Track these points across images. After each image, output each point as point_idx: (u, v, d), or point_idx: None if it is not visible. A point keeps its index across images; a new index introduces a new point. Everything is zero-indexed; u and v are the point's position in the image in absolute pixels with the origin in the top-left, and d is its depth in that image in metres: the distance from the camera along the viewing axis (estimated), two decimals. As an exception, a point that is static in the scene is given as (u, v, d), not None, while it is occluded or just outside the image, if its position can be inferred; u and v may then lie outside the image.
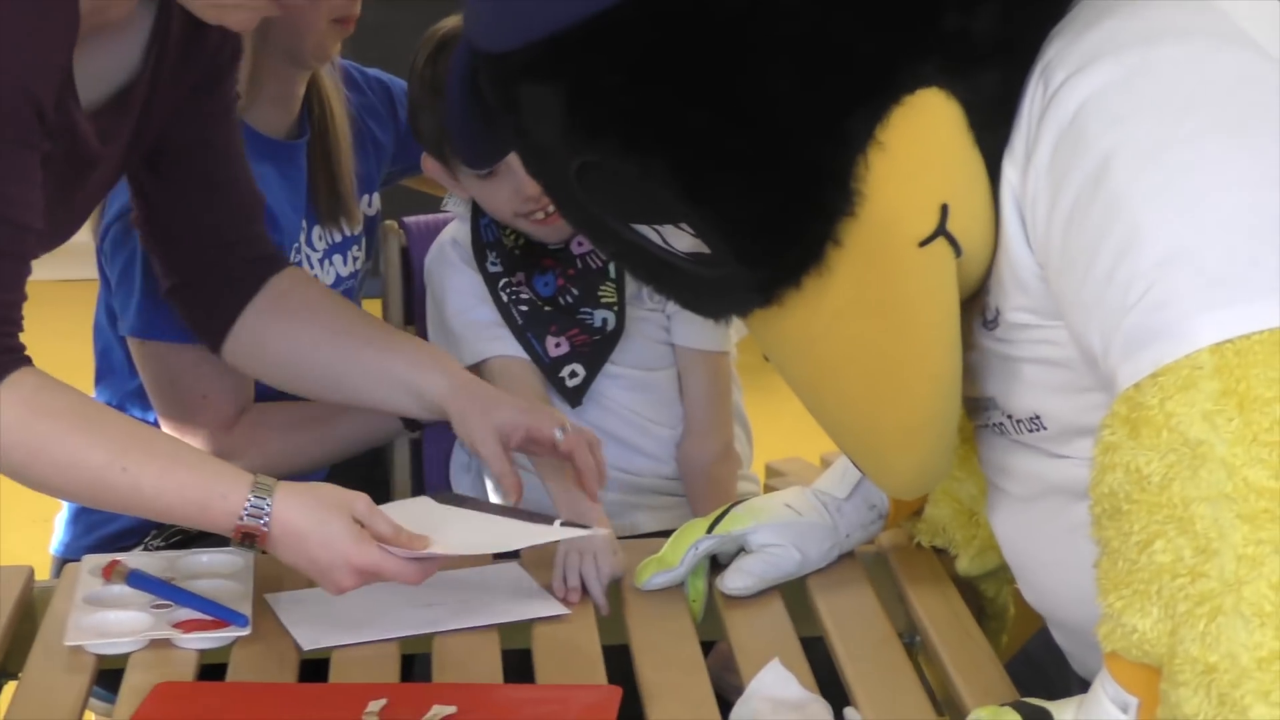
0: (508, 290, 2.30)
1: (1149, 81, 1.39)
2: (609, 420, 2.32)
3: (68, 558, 2.28)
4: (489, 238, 2.31)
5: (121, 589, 1.86)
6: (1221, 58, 1.40)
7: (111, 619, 1.82)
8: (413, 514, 1.84)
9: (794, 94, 1.43)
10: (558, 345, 2.29)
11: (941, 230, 1.48)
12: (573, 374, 2.29)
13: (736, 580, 1.88)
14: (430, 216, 2.61)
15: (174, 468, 1.72)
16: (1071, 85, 1.41)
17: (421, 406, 2.03)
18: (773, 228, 1.48)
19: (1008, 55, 1.47)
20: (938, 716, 1.69)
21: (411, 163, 2.57)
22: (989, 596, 2.00)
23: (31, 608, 1.91)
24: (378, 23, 2.83)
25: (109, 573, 1.87)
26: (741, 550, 1.91)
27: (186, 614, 1.82)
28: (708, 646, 1.84)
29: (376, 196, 2.52)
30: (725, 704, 1.67)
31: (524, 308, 2.29)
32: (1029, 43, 1.47)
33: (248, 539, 1.72)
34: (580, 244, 2.29)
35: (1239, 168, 1.34)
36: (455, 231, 2.37)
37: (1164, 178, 1.35)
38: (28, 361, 1.70)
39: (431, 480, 2.54)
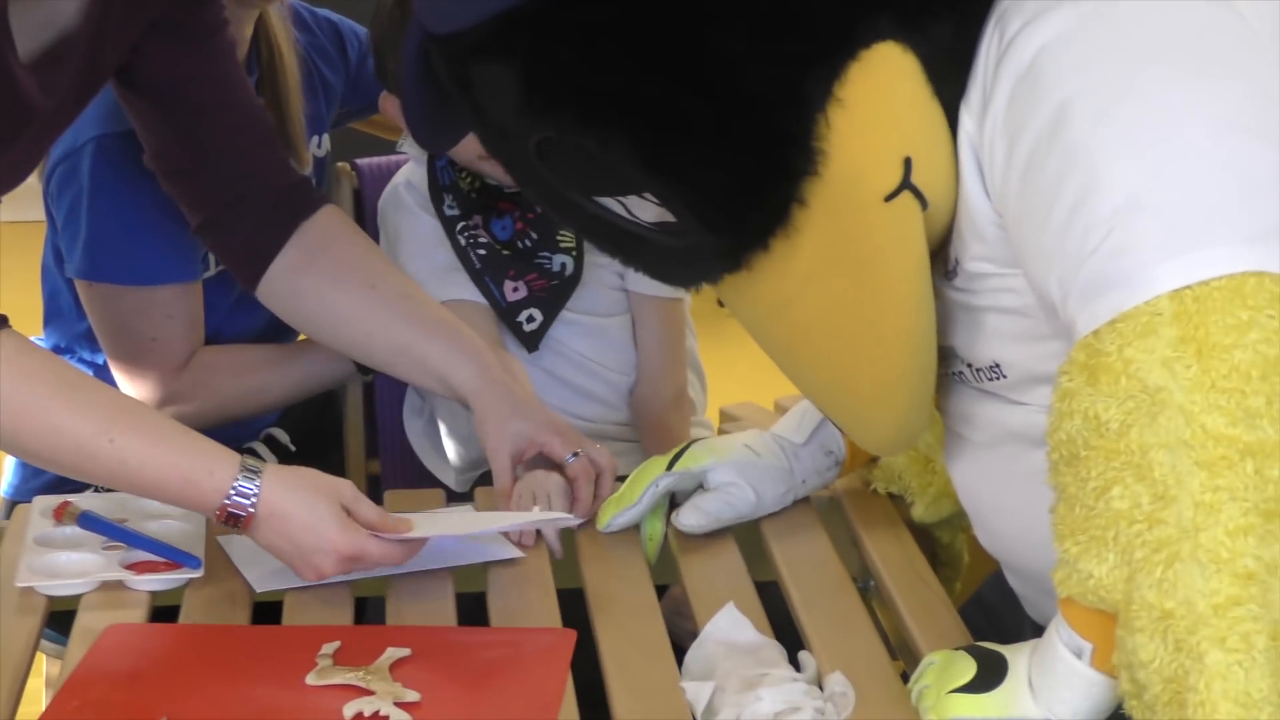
0: (465, 234, 2.28)
1: (1107, 28, 1.38)
2: (563, 366, 2.32)
3: (17, 500, 2.27)
4: (445, 180, 2.30)
5: (73, 530, 1.85)
6: (1181, 4, 1.39)
7: (63, 560, 1.81)
8: None
9: (749, 57, 1.42)
10: (515, 290, 2.28)
11: (906, 184, 1.47)
12: (530, 319, 2.29)
13: (690, 517, 1.88)
14: (383, 159, 2.60)
15: (161, 442, 1.70)
16: (1028, 33, 1.40)
17: (446, 390, 2.02)
18: (736, 193, 1.47)
19: (961, 5, 1.47)
20: (892, 660, 1.69)
21: (361, 104, 2.56)
22: (944, 543, 2.01)
23: (-19, 549, 1.90)
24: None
25: (60, 514, 1.86)
26: (699, 488, 1.91)
27: (138, 556, 1.81)
28: (661, 591, 1.84)
29: (326, 138, 2.50)
30: (679, 649, 1.67)
31: (481, 251, 2.28)
32: None
33: (230, 520, 1.70)
34: None
35: (1198, 115, 1.34)
36: (409, 174, 2.36)
37: (1122, 125, 1.34)
38: (4, 322, 1.68)
39: (384, 423, 2.54)
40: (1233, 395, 1.27)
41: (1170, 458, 1.28)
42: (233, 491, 1.69)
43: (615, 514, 1.89)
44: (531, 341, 2.30)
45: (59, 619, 1.77)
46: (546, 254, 2.29)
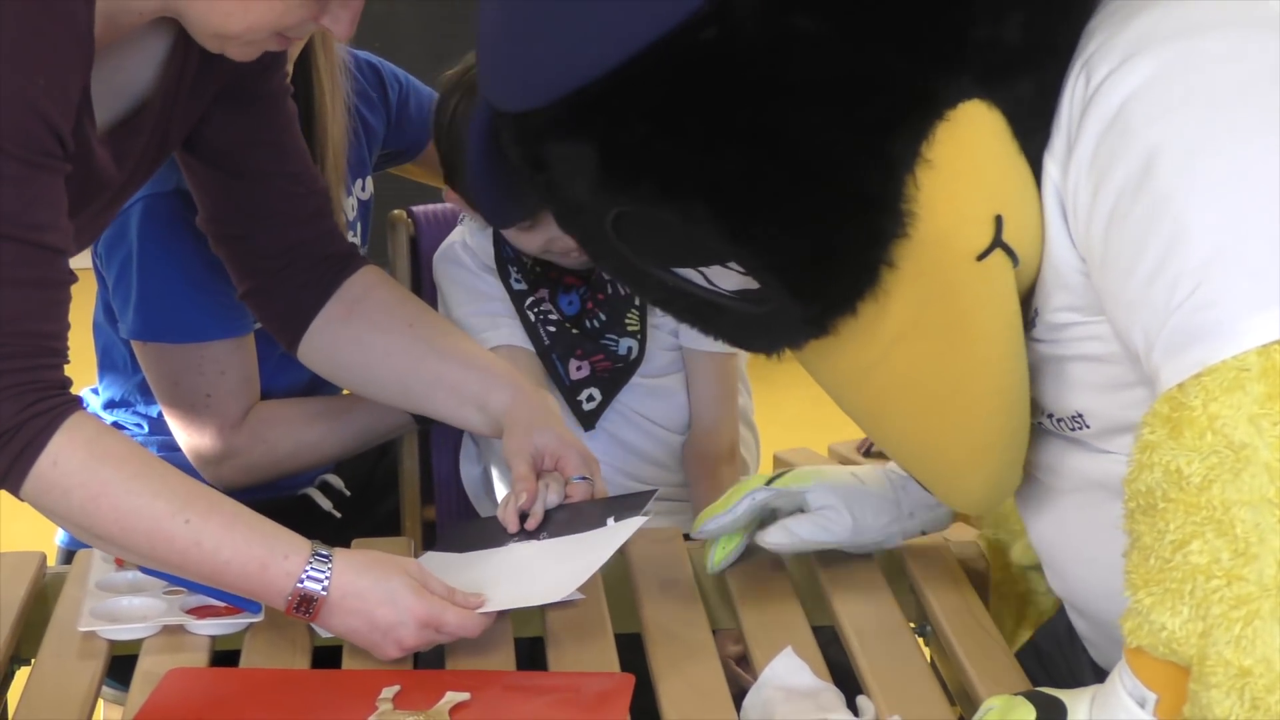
0: (535, 310, 2.29)
1: (1193, 75, 1.37)
2: (623, 428, 2.32)
3: (73, 548, 2.28)
4: (508, 253, 2.31)
5: (134, 575, 1.86)
6: (1267, 49, 1.38)
7: (124, 605, 1.82)
8: (454, 569, 1.85)
9: (831, 123, 1.41)
10: (579, 369, 2.30)
11: (998, 242, 1.46)
12: (590, 398, 2.30)
13: (776, 536, 1.85)
14: (439, 206, 2.61)
15: (236, 524, 1.70)
16: (1114, 80, 1.39)
17: (485, 421, 2.03)
18: (824, 259, 1.46)
19: (1042, 58, 1.46)
20: (950, 706, 1.69)
21: (402, 147, 2.57)
22: (1039, 591, 1.98)
23: (44, 594, 1.91)
24: (380, 13, 2.83)
25: (121, 559, 1.87)
26: (797, 511, 1.89)
27: (199, 600, 1.82)
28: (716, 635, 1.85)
29: (369, 181, 2.51)
30: (738, 693, 1.67)
31: (552, 329, 2.29)
32: (1062, 43, 1.46)
33: (303, 605, 1.70)
34: None
35: None
36: (468, 237, 2.36)
37: (1210, 174, 1.33)
38: (78, 401, 1.69)
39: (439, 470, 2.54)
40: None
41: (1254, 515, 1.26)
42: (305, 576, 1.69)
43: (708, 519, 1.88)
44: (589, 420, 2.31)
45: (118, 666, 1.78)
46: (613, 337, 2.30)
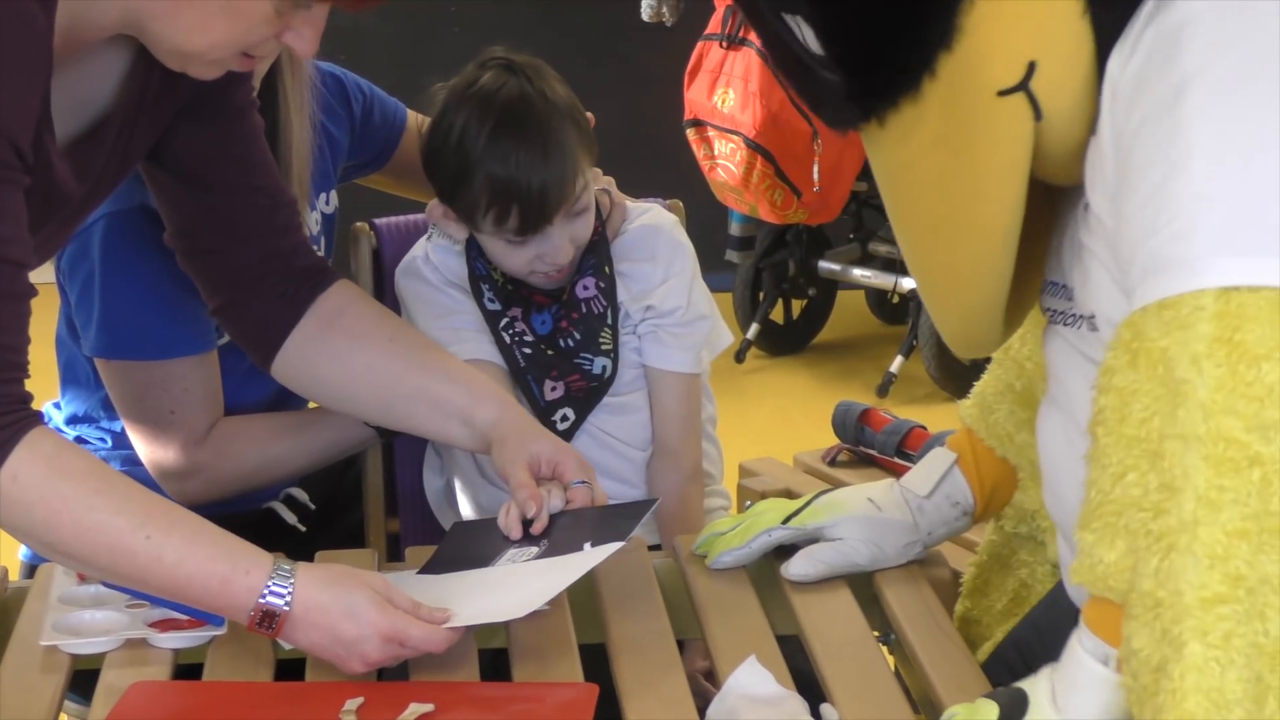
0: (510, 331, 2.30)
1: (1255, 17, 1.39)
2: (590, 446, 2.32)
3: (35, 562, 2.27)
4: (481, 271, 2.31)
5: (97, 589, 1.86)
6: None
7: (86, 619, 1.82)
8: (420, 584, 1.85)
9: None
10: (554, 389, 2.29)
11: (1023, 86, 1.48)
12: (564, 418, 2.30)
13: (804, 566, 1.89)
14: (401, 218, 2.60)
15: (198, 539, 1.69)
16: None
17: (471, 435, 2.03)
18: (873, 44, 1.50)
19: None
20: (914, 714, 1.69)
21: (368, 157, 2.56)
22: (1036, 568, 1.99)
23: (6, 608, 1.90)
24: (345, 26, 2.83)
25: (83, 574, 1.87)
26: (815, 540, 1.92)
27: (161, 613, 1.82)
28: (682, 645, 1.85)
29: (334, 194, 2.50)
30: (701, 702, 1.67)
31: (527, 350, 2.29)
32: None
33: (265, 619, 1.69)
34: (585, 288, 2.30)
35: None
36: (432, 253, 2.36)
37: (1229, 116, 1.36)
38: (39, 416, 1.68)
39: (403, 483, 2.54)
40: (1252, 403, 1.29)
41: (1182, 449, 1.29)
42: (267, 590, 1.68)
43: (723, 552, 1.92)
44: (563, 439, 2.31)
45: (81, 680, 1.77)
46: (588, 356, 2.30)
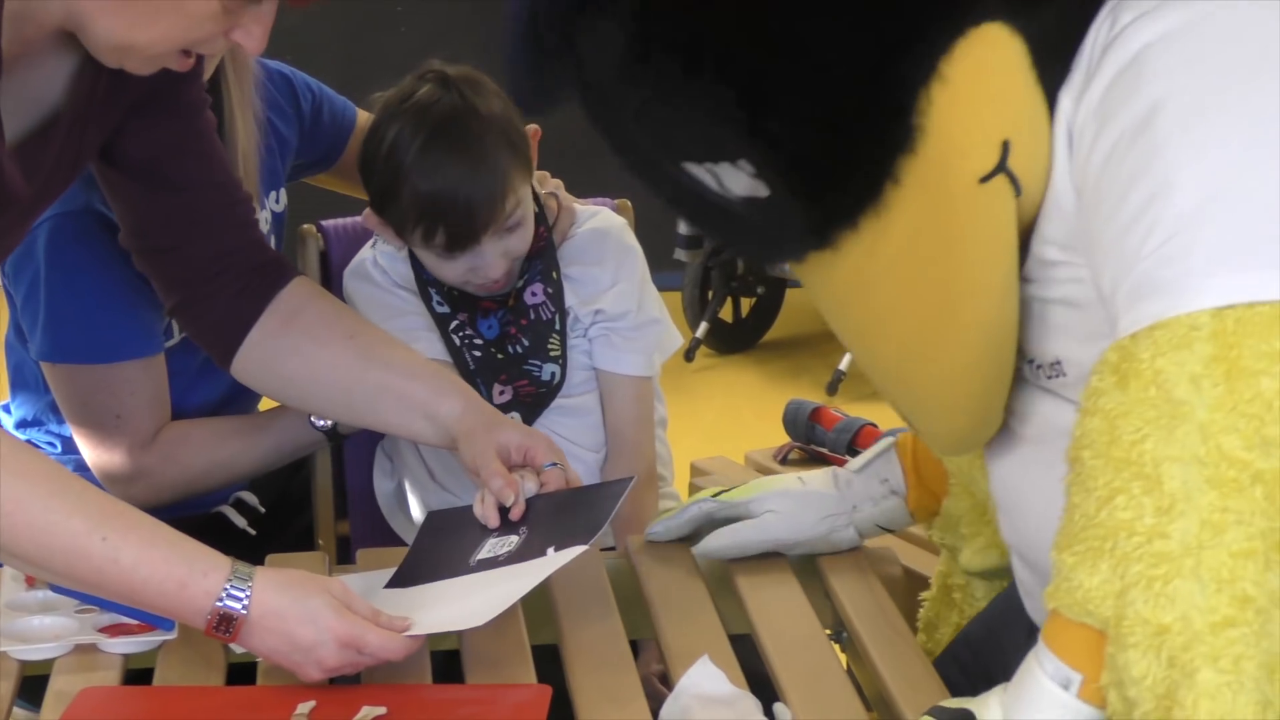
0: (459, 334, 2.29)
1: (1215, 36, 1.38)
2: None
3: (-15, 566, 2.26)
4: (427, 275, 2.31)
5: (45, 594, 1.85)
6: None
7: (35, 624, 1.81)
8: (378, 592, 1.85)
9: (854, 24, 1.41)
10: (502, 393, 2.29)
11: (1002, 167, 1.46)
12: None
13: (714, 541, 1.94)
14: (349, 220, 2.60)
15: (155, 541, 1.68)
16: (1138, 26, 1.40)
17: (434, 431, 2.03)
18: (831, 163, 1.45)
19: None
20: (867, 712, 1.70)
21: (315, 157, 2.55)
22: (976, 598, 2.00)
23: (-48, 615, 1.89)
24: (292, 25, 2.82)
25: (32, 578, 1.85)
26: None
27: (111, 618, 1.81)
28: (635, 645, 1.85)
29: (283, 193, 2.49)
30: (655, 702, 1.67)
31: (477, 353, 2.29)
32: None
33: (222, 624, 1.67)
34: (534, 294, 2.30)
35: None
36: (380, 257, 2.35)
37: (1206, 135, 1.34)
38: None
39: (353, 485, 2.53)
40: (1252, 420, 1.27)
41: (1183, 472, 1.28)
42: (225, 594, 1.67)
43: (656, 523, 1.97)
44: None
45: (30, 686, 1.76)
46: (536, 362, 2.30)
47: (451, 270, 2.24)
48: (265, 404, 2.37)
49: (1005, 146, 1.45)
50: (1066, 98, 1.46)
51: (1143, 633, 1.28)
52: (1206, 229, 1.31)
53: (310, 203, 2.71)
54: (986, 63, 1.44)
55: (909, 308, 1.52)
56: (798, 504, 1.94)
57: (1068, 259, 1.49)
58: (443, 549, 1.93)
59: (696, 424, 2.97)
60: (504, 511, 1.92)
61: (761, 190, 1.49)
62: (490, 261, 2.20)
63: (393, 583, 1.91)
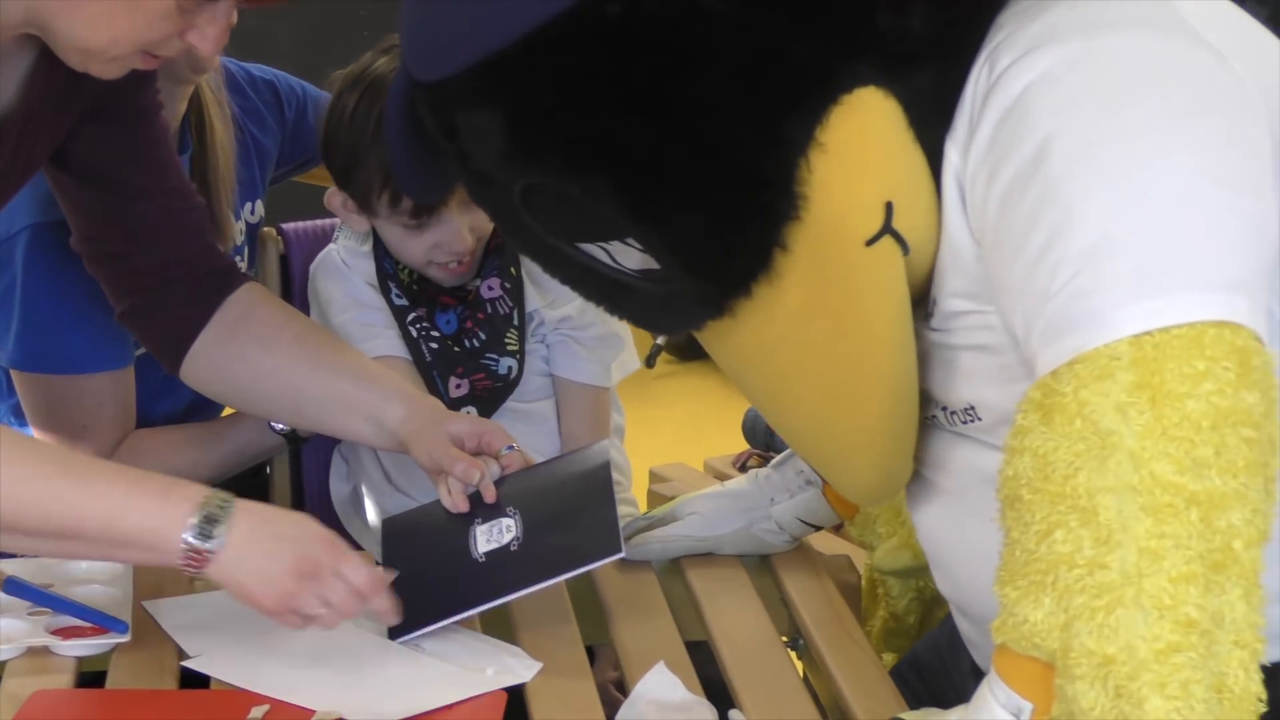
0: (417, 326, 2.29)
1: (1094, 68, 1.38)
2: None
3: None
4: (388, 268, 2.30)
5: (-3, 596, 1.84)
6: (1167, 50, 1.39)
7: (-13, 626, 1.80)
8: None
9: (729, 101, 1.42)
10: (458, 387, 2.29)
11: (887, 228, 1.47)
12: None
13: (640, 544, 1.98)
14: (309, 223, 2.59)
15: (128, 470, 1.70)
16: (1017, 69, 1.40)
17: (380, 434, 2.02)
18: (718, 238, 1.47)
19: (945, 50, 1.47)
20: (822, 718, 1.70)
21: (300, 160, 2.55)
22: (893, 595, 2.01)
23: (-96, 616, 1.88)
24: (254, 28, 2.82)
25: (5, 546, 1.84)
26: None
27: (64, 621, 1.80)
28: (592, 651, 1.85)
29: (260, 204, 2.49)
30: (610, 708, 1.67)
31: (434, 345, 2.28)
32: (967, 38, 1.46)
33: (205, 526, 1.65)
34: (490, 289, 2.29)
35: (1176, 161, 1.34)
36: (346, 254, 2.35)
37: (1101, 167, 1.34)
38: None
39: (310, 489, 2.53)
40: (1182, 444, 1.28)
41: (1117, 502, 1.28)
42: (207, 498, 1.67)
43: None
44: None
45: (-18, 686, 1.75)
46: (494, 356, 2.30)
47: (417, 246, 2.22)
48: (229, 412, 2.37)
49: (889, 208, 1.46)
50: (953, 150, 1.47)
51: (1089, 664, 1.28)
52: (1113, 260, 1.32)
53: (270, 207, 2.70)
54: (862, 127, 1.45)
55: (811, 369, 1.54)
56: (718, 502, 2.00)
57: (977, 307, 1.50)
58: (431, 549, 1.91)
59: (656, 431, 2.96)
60: (474, 499, 1.91)
61: (654, 263, 1.51)
62: (455, 232, 2.19)
63: (403, 629, 1.82)
